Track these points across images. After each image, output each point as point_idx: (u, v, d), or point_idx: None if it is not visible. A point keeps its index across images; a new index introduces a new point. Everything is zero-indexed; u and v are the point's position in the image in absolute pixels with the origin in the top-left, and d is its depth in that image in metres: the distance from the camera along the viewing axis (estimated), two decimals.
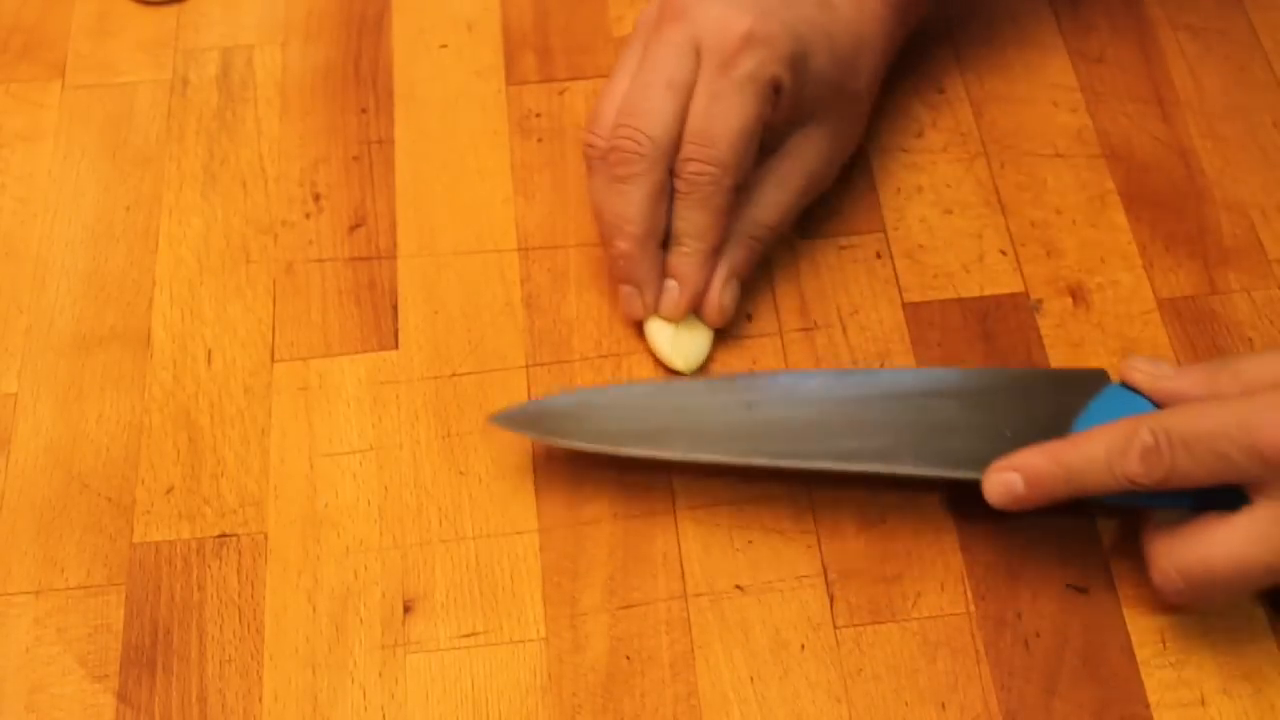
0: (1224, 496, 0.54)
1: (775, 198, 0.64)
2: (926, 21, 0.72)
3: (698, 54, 0.61)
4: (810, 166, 0.65)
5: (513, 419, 0.60)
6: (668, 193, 0.62)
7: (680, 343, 0.63)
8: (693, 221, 0.62)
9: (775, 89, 0.61)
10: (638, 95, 0.61)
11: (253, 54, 0.75)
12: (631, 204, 0.61)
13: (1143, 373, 0.58)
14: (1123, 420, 0.55)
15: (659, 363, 0.64)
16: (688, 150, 0.61)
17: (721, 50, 0.61)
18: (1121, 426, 0.54)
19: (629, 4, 0.76)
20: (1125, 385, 0.58)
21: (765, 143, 0.63)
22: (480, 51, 0.75)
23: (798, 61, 0.62)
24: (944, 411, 0.59)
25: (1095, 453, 0.54)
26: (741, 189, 0.63)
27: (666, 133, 0.61)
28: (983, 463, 0.57)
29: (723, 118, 0.61)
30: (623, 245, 0.62)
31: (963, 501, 0.60)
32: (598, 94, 0.64)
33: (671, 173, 0.62)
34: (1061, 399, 0.58)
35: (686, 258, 0.62)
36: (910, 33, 0.70)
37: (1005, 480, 0.56)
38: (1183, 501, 0.55)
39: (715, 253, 0.63)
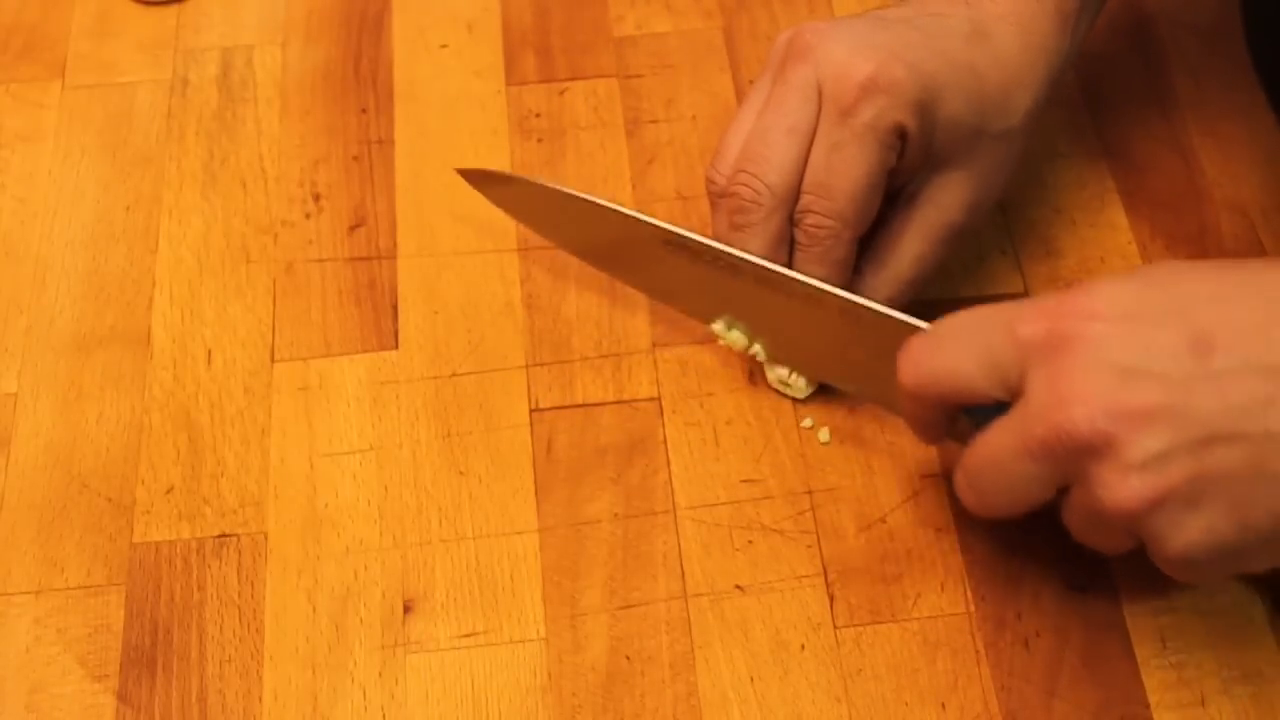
0: None
1: (914, 250, 0.61)
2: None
3: (820, 97, 0.59)
4: (950, 215, 0.61)
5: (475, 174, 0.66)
6: (788, 237, 0.60)
7: (797, 376, 0.63)
8: (813, 275, 0.60)
9: (899, 136, 0.59)
10: (757, 140, 0.60)
11: (253, 54, 0.75)
12: (751, 252, 0.60)
13: None
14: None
15: (774, 390, 0.63)
16: (806, 202, 0.59)
17: (841, 97, 0.58)
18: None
19: (629, 4, 0.76)
20: None
21: (898, 187, 0.61)
22: (480, 51, 0.75)
23: (926, 107, 0.59)
24: None
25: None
26: (879, 242, 0.61)
27: (784, 180, 0.59)
28: None
29: (842, 170, 0.58)
30: None
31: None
32: (723, 130, 0.62)
33: (792, 220, 0.60)
34: None
35: None
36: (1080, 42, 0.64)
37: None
38: None
39: None
